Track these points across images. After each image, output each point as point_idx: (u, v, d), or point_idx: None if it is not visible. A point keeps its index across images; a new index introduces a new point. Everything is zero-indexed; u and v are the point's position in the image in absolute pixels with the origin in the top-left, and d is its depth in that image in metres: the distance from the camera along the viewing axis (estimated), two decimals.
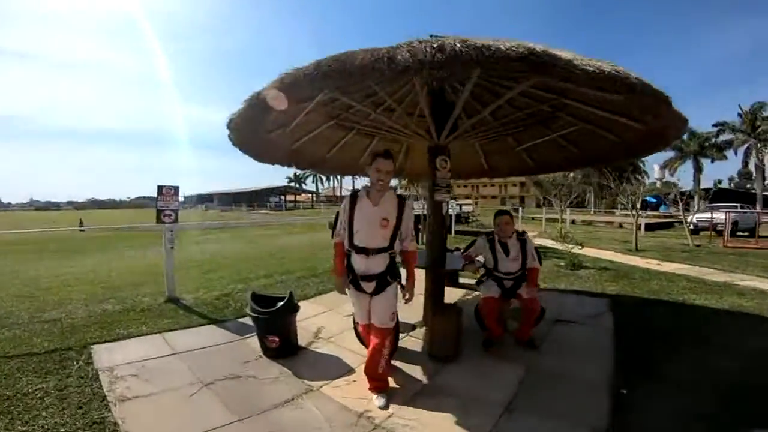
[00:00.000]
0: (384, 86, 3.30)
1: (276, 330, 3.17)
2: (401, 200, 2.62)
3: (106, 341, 3.51)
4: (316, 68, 2.31)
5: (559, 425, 2.36)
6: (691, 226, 13.60)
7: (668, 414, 2.47)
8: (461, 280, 5.43)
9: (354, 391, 2.72)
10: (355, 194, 2.63)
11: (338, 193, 69.01)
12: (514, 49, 2.09)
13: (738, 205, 18.03)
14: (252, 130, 3.38)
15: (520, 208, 26.05)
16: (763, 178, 29.29)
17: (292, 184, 64.90)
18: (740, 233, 14.66)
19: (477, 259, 3.59)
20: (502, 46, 2.10)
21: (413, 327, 3.75)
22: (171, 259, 4.99)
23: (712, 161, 33.36)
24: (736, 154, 32.40)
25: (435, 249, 3.66)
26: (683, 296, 5.50)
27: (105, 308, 4.59)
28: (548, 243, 10.51)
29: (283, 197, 58.79)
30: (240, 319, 4.19)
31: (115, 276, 6.86)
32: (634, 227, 11.74)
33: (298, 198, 62.12)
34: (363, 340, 3.11)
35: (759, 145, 29.31)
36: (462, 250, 3.70)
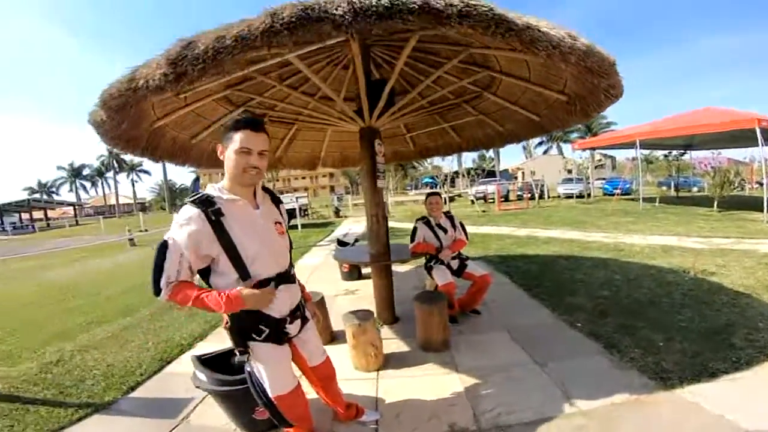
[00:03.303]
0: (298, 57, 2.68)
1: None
2: (272, 194, 1.80)
3: None
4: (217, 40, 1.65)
5: (588, 361, 2.73)
6: (472, 198, 17.76)
7: (611, 326, 3.24)
8: (363, 271, 5.40)
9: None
10: (208, 202, 1.52)
11: (112, 201, 55.46)
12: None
13: (496, 179, 24.16)
14: (118, 125, 2.28)
15: (348, 196, 27.61)
16: (499, 160, 40.02)
17: (38, 195, 47.92)
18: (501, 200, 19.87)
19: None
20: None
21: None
22: None
23: None
24: None
25: (381, 240, 3.37)
26: (519, 249, 7.01)
27: None
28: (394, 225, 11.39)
29: (23, 215, 42.62)
30: (132, 394, 2.81)
31: None
32: (448, 202, 14.08)
33: (52, 213, 45.85)
34: (285, 417, 1.75)
35: None
36: (410, 242, 3.56)
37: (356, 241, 5.10)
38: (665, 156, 19.49)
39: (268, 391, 1.72)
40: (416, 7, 1.53)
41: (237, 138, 1.51)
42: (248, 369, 1.68)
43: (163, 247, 1.47)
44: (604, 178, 23.77)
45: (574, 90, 2.78)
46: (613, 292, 4.11)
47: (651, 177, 27.32)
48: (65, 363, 3.37)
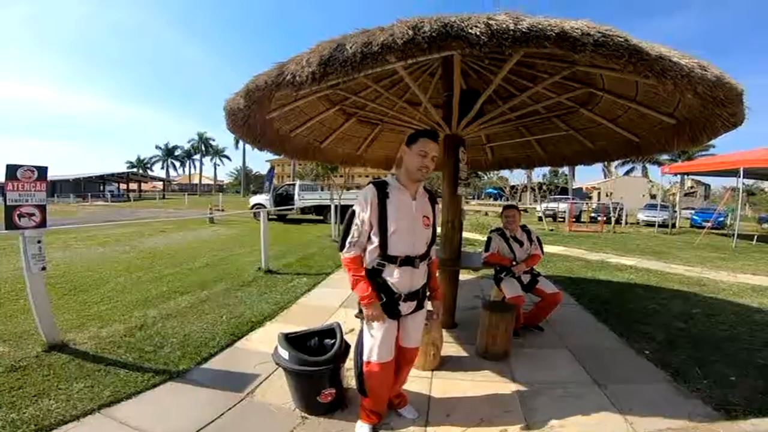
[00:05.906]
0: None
1: (335, 380, 2.33)
2: (431, 195, 2.13)
3: None
4: (335, 50, 1.84)
5: (651, 387, 2.67)
6: (540, 214, 16.91)
7: (681, 356, 3.12)
8: None
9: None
10: (382, 185, 1.95)
11: (196, 180, 60.96)
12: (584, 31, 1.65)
13: (568, 197, 22.80)
14: (247, 114, 2.57)
15: None
16: (573, 177, 37.63)
17: (135, 170, 53.73)
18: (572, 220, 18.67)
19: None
20: (567, 27, 1.66)
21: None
22: (42, 286, 3.05)
23: None
24: None
25: (453, 246, 3.43)
26: (589, 273, 6.64)
27: None
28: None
29: (121, 186, 48.25)
30: (204, 365, 2.93)
31: None
32: None
33: (144, 186, 51.30)
34: (366, 389, 2.12)
35: None
36: (483, 251, 3.56)
37: None
38: None
39: (364, 353, 2.03)
40: (553, 34, 1.58)
41: (419, 143, 1.91)
42: (360, 328, 2.08)
43: (351, 215, 1.96)
44: (693, 208, 21.47)
45: (685, 114, 2.62)
46: (689, 325, 3.88)
47: (751, 211, 24.25)
48: (148, 328, 3.57)
